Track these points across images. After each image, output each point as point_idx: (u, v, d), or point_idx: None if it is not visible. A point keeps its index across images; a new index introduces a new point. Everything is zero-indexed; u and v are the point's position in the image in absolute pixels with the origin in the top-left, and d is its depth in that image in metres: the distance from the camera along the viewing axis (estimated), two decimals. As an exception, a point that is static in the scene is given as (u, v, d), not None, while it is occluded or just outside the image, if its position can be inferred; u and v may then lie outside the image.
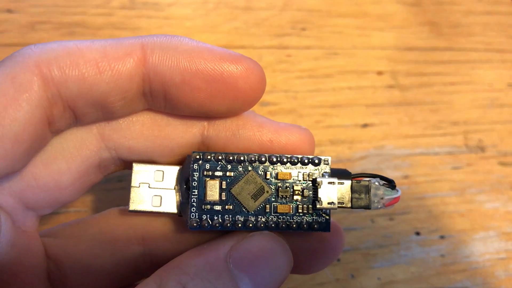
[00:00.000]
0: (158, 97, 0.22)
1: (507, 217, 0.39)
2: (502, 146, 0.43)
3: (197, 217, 0.22)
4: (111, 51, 0.21)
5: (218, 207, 0.22)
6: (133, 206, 0.24)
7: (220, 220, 0.22)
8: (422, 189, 0.39)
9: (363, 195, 0.23)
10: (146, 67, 0.21)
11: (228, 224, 0.22)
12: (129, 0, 0.44)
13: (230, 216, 0.22)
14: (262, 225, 0.22)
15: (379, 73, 0.45)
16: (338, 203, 0.23)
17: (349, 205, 0.23)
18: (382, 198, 0.23)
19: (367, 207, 0.23)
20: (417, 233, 0.37)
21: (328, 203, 0.22)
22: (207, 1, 0.46)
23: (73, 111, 0.21)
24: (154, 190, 0.24)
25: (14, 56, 0.20)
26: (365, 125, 0.42)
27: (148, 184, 0.24)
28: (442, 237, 0.37)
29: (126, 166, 0.25)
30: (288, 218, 0.22)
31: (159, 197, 0.24)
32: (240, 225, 0.22)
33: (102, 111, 0.22)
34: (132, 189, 0.24)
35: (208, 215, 0.22)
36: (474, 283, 0.36)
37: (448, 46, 0.48)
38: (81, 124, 0.23)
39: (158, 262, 0.25)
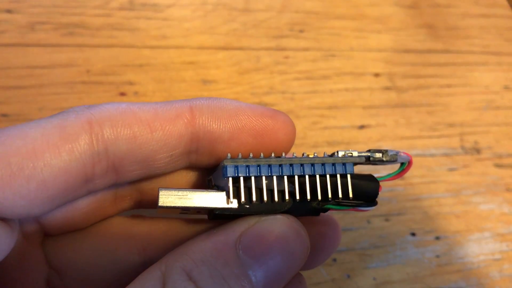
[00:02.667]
0: (204, 154, 0.23)
1: (501, 218, 0.39)
2: (498, 148, 0.43)
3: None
4: (162, 113, 0.22)
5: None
6: (162, 201, 0.22)
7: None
8: (418, 190, 0.39)
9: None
10: (195, 127, 0.22)
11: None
12: (128, 1, 0.44)
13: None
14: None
15: (376, 75, 0.45)
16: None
17: None
18: None
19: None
20: (413, 234, 0.37)
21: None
22: (205, 3, 0.46)
23: (116, 170, 0.22)
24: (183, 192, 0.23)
25: (68, 112, 0.21)
26: (361, 127, 0.42)
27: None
28: (437, 238, 0.38)
29: (142, 204, 0.26)
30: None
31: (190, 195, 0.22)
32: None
33: (147, 168, 0.23)
34: (160, 190, 0.22)
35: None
36: (468, 284, 0.36)
37: (444, 49, 0.49)
38: (119, 185, 0.24)
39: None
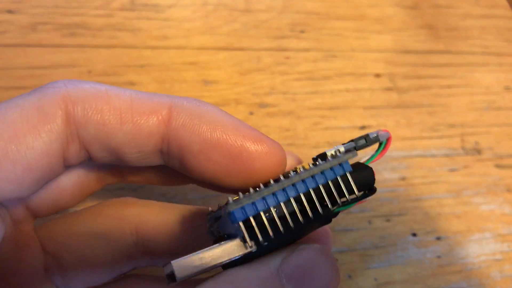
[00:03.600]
0: (174, 158, 0.22)
1: (502, 219, 0.39)
2: (499, 148, 0.43)
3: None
4: (138, 105, 0.21)
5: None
6: (180, 274, 0.19)
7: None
8: (419, 191, 0.39)
9: None
10: (168, 128, 0.21)
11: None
12: (129, 1, 0.44)
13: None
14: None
15: (377, 75, 0.45)
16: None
17: None
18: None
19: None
20: (414, 234, 0.37)
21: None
22: (206, 3, 0.46)
23: (88, 151, 0.22)
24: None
25: (45, 87, 0.21)
26: (362, 127, 0.42)
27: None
28: (438, 238, 0.38)
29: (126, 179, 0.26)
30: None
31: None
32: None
33: (116, 157, 0.22)
34: (173, 264, 0.19)
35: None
36: (469, 284, 0.36)
37: (445, 49, 0.49)
38: (95, 162, 0.23)
39: (151, 251, 0.26)
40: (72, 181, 0.24)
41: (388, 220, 0.38)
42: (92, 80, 0.40)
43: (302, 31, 0.47)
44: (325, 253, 0.21)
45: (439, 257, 0.37)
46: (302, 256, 0.20)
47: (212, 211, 0.22)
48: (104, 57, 0.41)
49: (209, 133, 0.21)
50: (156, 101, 0.21)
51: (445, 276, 0.36)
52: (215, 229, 0.21)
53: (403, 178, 0.40)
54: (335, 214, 0.21)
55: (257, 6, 0.47)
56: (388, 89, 0.45)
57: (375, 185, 0.22)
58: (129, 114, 0.21)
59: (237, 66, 0.43)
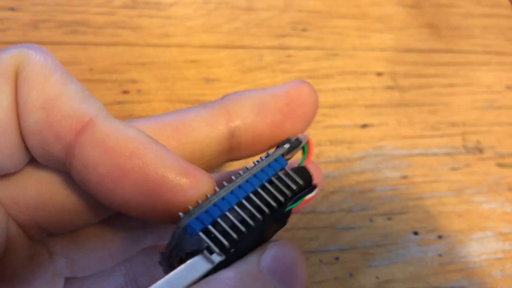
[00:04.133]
0: (78, 173, 0.19)
1: (504, 217, 0.39)
2: (500, 147, 0.43)
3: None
4: (63, 101, 0.19)
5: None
6: None
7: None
8: (420, 189, 0.39)
9: None
10: (78, 138, 0.18)
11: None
12: (131, -1, 0.45)
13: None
14: None
15: (379, 74, 0.45)
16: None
17: None
18: None
19: None
20: (415, 233, 0.37)
21: None
22: (208, 1, 0.46)
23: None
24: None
25: None
26: (364, 126, 0.42)
27: None
28: (439, 237, 0.38)
29: None
30: None
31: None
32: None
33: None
34: None
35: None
36: (471, 283, 0.36)
37: (447, 48, 0.49)
38: None
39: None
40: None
41: (389, 219, 0.38)
42: (93, 77, 0.40)
43: (303, 30, 0.47)
44: (295, 248, 0.19)
45: (440, 255, 0.37)
46: (277, 250, 0.19)
47: (162, 252, 0.19)
48: (106, 54, 0.41)
49: (123, 158, 0.18)
50: (79, 106, 0.19)
51: (446, 274, 0.36)
52: (174, 258, 0.19)
53: (404, 177, 0.40)
54: (288, 213, 0.20)
55: (258, 4, 0.47)
56: (390, 87, 0.45)
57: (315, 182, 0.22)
58: (51, 105, 0.18)
59: (238, 64, 0.43)
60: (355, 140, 0.41)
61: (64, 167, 0.19)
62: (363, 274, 0.35)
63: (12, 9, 0.42)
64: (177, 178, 0.18)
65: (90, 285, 0.25)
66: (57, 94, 0.18)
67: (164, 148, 0.19)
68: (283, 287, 0.18)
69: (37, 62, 0.19)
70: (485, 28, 0.51)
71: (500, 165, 0.42)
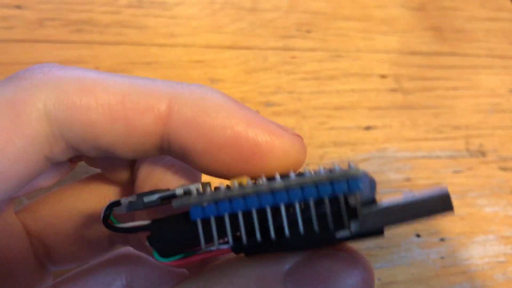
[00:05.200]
0: (177, 156, 0.19)
1: (506, 221, 0.40)
2: (503, 151, 0.43)
3: None
4: (131, 98, 0.18)
5: None
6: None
7: None
8: (423, 192, 0.39)
9: None
10: (168, 126, 0.18)
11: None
12: (136, -1, 0.45)
13: None
14: None
15: (383, 76, 0.46)
16: None
17: None
18: None
19: None
20: (418, 235, 0.37)
21: None
22: (213, 2, 0.47)
23: (76, 150, 0.19)
24: None
25: (21, 78, 0.18)
26: (368, 128, 0.42)
27: None
28: (442, 239, 0.38)
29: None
30: None
31: None
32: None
33: (109, 154, 0.20)
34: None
35: None
36: (473, 286, 0.36)
37: (451, 51, 0.49)
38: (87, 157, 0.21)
39: (128, 236, 0.25)
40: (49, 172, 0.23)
41: (392, 221, 0.38)
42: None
43: (308, 31, 0.47)
44: (358, 267, 0.17)
45: (442, 258, 0.37)
46: (321, 262, 0.17)
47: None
48: (111, 53, 0.41)
49: (216, 132, 0.18)
50: (152, 93, 0.18)
51: (448, 277, 0.36)
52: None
53: (407, 179, 0.40)
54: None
55: (263, 5, 0.48)
56: (394, 90, 0.45)
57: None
58: (121, 112, 0.18)
59: (243, 65, 0.43)
60: (359, 142, 0.41)
61: (159, 153, 0.20)
62: (365, 276, 0.35)
63: (18, 7, 0.42)
64: (269, 144, 0.18)
65: None
66: (117, 100, 0.18)
67: (249, 111, 0.19)
68: None
69: (70, 84, 0.18)
70: (489, 31, 0.52)
71: (503, 169, 0.42)
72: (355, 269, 0.17)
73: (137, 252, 0.27)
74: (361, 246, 0.36)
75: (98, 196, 0.25)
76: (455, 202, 0.39)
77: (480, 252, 0.38)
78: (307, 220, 0.16)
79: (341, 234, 0.16)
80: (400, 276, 0.36)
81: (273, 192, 0.16)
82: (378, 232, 0.17)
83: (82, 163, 0.24)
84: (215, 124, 0.18)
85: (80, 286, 0.26)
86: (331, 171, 0.16)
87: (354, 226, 0.16)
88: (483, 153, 0.43)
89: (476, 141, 0.43)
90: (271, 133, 0.18)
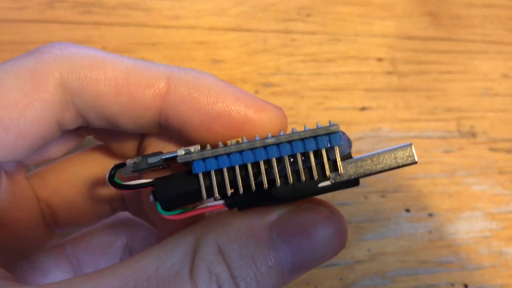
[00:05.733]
0: (173, 130, 0.22)
1: (493, 199, 0.41)
2: (493, 133, 0.45)
3: None
4: (134, 75, 0.21)
5: None
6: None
7: None
8: (414, 170, 0.41)
9: None
10: (166, 102, 0.21)
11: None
12: (143, -18, 0.46)
13: None
14: None
15: (379, 59, 0.47)
16: None
17: None
18: None
19: None
20: (407, 210, 0.39)
21: None
22: (217, -14, 0.48)
23: (84, 118, 0.22)
24: None
25: (41, 52, 0.21)
26: (363, 108, 0.44)
27: None
28: (430, 214, 0.40)
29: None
30: None
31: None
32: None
33: (114, 126, 0.22)
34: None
35: None
36: (458, 258, 0.38)
37: (446, 37, 0.50)
38: (92, 126, 0.23)
39: (127, 201, 0.27)
40: (59, 140, 0.25)
41: (383, 196, 0.40)
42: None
43: (308, 15, 0.48)
44: (333, 219, 0.20)
45: (430, 232, 0.39)
46: (302, 214, 0.20)
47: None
48: (118, 34, 0.43)
49: (209, 106, 0.21)
50: (153, 72, 0.21)
51: (435, 250, 0.38)
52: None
53: (399, 158, 0.42)
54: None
55: (265, -11, 0.49)
56: (389, 73, 0.47)
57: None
58: (125, 86, 0.21)
59: (244, 47, 0.45)
60: (354, 122, 0.43)
61: (156, 130, 0.23)
62: (355, 247, 0.37)
63: (29, -12, 0.44)
64: (256, 114, 0.21)
65: (93, 251, 0.29)
66: (122, 75, 0.21)
67: (237, 88, 0.22)
68: (285, 248, 0.19)
69: (82, 59, 0.21)
70: (485, 17, 0.53)
71: (492, 150, 0.44)
72: (331, 221, 0.20)
73: (135, 217, 0.29)
74: (352, 219, 0.38)
75: (101, 166, 0.27)
76: (444, 180, 0.41)
77: (466, 227, 0.40)
78: (294, 172, 0.19)
79: (323, 184, 0.19)
80: (389, 248, 0.38)
81: (266, 147, 0.19)
82: (354, 182, 0.20)
83: (87, 140, 0.27)
84: (208, 100, 0.21)
85: (84, 246, 0.29)
86: (314, 129, 0.19)
87: (334, 176, 0.19)
88: (473, 134, 0.44)
89: (467, 123, 0.45)
90: (257, 105, 0.21)
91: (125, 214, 0.30)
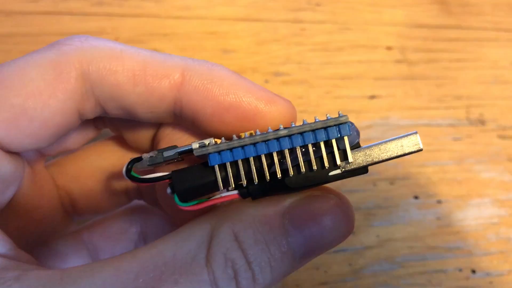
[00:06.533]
0: (187, 119, 0.23)
1: (502, 186, 0.42)
2: (502, 120, 0.45)
3: None
4: (151, 67, 0.22)
5: None
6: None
7: None
8: (423, 157, 0.42)
9: None
10: (181, 92, 0.22)
11: None
12: (154, -27, 0.47)
13: None
14: None
15: (389, 48, 0.47)
16: None
17: None
18: None
19: None
20: (416, 197, 0.40)
21: None
22: (227, -24, 0.49)
23: (103, 108, 0.23)
24: None
25: (62, 44, 0.22)
26: (372, 97, 0.44)
27: None
28: (439, 201, 0.40)
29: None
30: None
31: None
32: None
33: (130, 115, 0.23)
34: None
35: None
36: (466, 244, 0.39)
37: (456, 25, 0.50)
38: (110, 115, 0.24)
39: (142, 191, 0.28)
40: (78, 131, 0.26)
41: (392, 183, 0.40)
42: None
43: (318, 4, 0.49)
44: (341, 207, 0.21)
45: (439, 218, 0.39)
46: (313, 202, 0.21)
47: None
48: (130, 25, 0.44)
49: (222, 97, 0.22)
50: (169, 64, 0.22)
51: (443, 236, 0.39)
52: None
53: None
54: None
55: (275, -21, 0.49)
56: (399, 61, 0.47)
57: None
58: (142, 77, 0.22)
59: (255, 37, 0.46)
60: (363, 110, 0.43)
61: (171, 120, 0.24)
62: (364, 233, 0.38)
63: (43, -19, 0.44)
64: (267, 106, 0.22)
65: (109, 237, 0.30)
66: (140, 67, 0.22)
67: (249, 81, 0.23)
68: (297, 234, 0.20)
69: (102, 51, 0.22)
70: (496, 5, 0.53)
71: (502, 137, 0.44)
72: (339, 208, 0.21)
73: (150, 206, 0.30)
74: (361, 206, 0.39)
75: (118, 156, 0.28)
76: (453, 167, 0.42)
77: (475, 214, 0.40)
78: (306, 162, 0.20)
79: (334, 172, 0.20)
80: (397, 234, 0.38)
81: (278, 139, 0.20)
82: (363, 170, 0.21)
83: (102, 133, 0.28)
84: (221, 91, 0.22)
85: (100, 232, 0.30)
86: (324, 120, 0.20)
87: (344, 165, 0.20)
88: (482, 122, 0.45)
89: (477, 110, 0.45)
90: (268, 97, 0.22)
91: (139, 202, 0.30)
